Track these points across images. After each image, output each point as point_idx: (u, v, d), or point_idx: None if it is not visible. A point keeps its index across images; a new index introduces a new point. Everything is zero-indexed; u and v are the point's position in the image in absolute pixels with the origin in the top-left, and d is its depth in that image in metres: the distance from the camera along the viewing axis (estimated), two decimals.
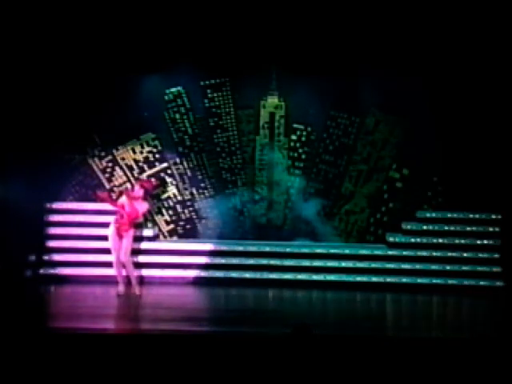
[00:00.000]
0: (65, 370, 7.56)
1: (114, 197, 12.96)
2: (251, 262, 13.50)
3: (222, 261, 13.50)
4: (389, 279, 13.30)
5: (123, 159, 14.39)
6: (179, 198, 14.47)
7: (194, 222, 14.45)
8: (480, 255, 13.50)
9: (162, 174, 14.39)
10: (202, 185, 14.47)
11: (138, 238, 13.60)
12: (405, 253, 13.60)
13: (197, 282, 13.27)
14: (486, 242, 13.57)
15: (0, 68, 12.73)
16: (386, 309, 12.46)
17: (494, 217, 13.64)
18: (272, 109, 14.48)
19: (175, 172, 14.45)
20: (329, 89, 14.13)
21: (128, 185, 12.91)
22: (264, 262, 13.52)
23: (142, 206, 12.33)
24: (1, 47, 12.64)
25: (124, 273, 12.34)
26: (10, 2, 12.56)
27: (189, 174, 14.45)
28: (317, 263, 13.48)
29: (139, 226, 13.41)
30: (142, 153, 14.41)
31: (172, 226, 14.45)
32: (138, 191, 12.34)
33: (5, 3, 12.50)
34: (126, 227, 12.12)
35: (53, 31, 12.84)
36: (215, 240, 14.06)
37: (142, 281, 12.99)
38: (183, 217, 14.45)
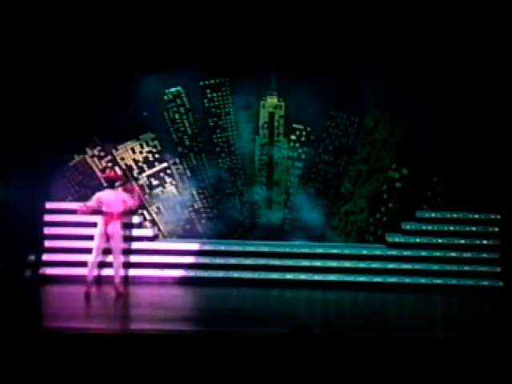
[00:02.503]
0: (62, 369, 7.56)
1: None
2: (250, 261, 13.50)
3: (222, 261, 13.50)
4: (388, 279, 13.30)
5: (123, 159, 14.40)
6: (179, 198, 14.47)
7: (194, 222, 14.45)
8: (479, 255, 13.50)
9: (162, 174, 14.42)
10: (202, 185, 14.47)
11: (138, 238, 13.62)
12: (404, 253, 13.60)
13: (196, 282, 13.26)
14: (485, 242, 13.58)
15: (0, 68, 12.74)
16: (386, 309, 12.46)
17: (493, 217, 13.65)
18: (271, 109, 14.48)
19: (175, 172, 14.45)
20: (328, 89, 14.14)
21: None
22: (263, 261, 13.52)
23: (121, 195, 12.45)
24: (1, 47, 12.65)
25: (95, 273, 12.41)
26: (10, 2, 12.56)
27: (188, 174, 14.46)
28: (316, 263, 13.48)
29: (131, 226, 13.44)
30: (141, 153, 14.42)
31: (171, 226, 14.45)
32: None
33: (5, 3, 12.51)
34: (115, 218, 12.17)
35: (52, 31, 12.84)
36: (215, 240, 14.06)
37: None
38: (183, 217, 14.45)
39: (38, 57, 12.96)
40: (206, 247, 13.71)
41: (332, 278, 13.31)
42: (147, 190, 14.38)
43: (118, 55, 13.15)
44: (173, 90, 14.40)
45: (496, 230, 13.60)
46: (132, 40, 13.00)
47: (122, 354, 8.00)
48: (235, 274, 13.35)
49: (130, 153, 14.40)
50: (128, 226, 13.47)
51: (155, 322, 10.28)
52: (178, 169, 14.46)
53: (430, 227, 13.77)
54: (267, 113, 14.50)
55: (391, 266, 13.47)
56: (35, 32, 12.78)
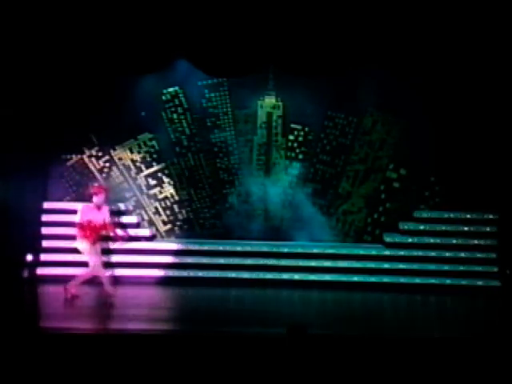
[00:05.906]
0: (59, 369, 7.58)
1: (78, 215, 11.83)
2: (249, 261, 13.50)
3: (220, 261, 13.51)
4: (386, 279, 13.32)
5: (120, 159, 14.40)
6: (176, 198, 14.47)
7: (192, 222, 14.45)
8: (477, 255, 13.52)
9: (160, 174, 14.42)
10: (200, 185, 14.47)
11: (136, 238, 13.61)
12: (402, 253, 13.62)
13: (194, 282, 13.26)
14: (482, 241, 13.60)
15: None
16: (383, 309, 12.47)
17: (490, 217, 13.66)
18: (269, 109, 14.49)
19: (173, 172, 14.45)
20: (326, 89, 14.14)
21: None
22: (261, 261, 13.53)
23: (106, 213, 11.80)
24: (0, 47, 12.65)
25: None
26: (10, 1, 12.56)
27: (186, 174, 14.46)
28: (314, 263, 13.49)
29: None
30: (139, 153, 14.42)
31: (169, 226, 14.45)
32: (99, 198, 11.67)
33: (5, 3, 12.51)
34: (95, 238, 11.64)
35: (51, 31, 12.83)
36: (212, 240, 14.06)
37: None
38: (180, 217, 14.45)
39: (36, 57, 12.95)
40: (204, 247, 13.71)
41: (329, 277, 13.31)
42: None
43: (116, 55, 13.11)
44: (171, 90, 14.41)
45: (493, 229, 13.60)
46: (130, 40, 12.98)
47: (119, 354, 8.01)
48: (233, 274, 13.35)
49: (128, 153, 14.40)
50: (126, 225, 13.48)
51: (153, 322, 10.29)
52: (175, 169, 14.46)
53: (427, 227, 13.79)
54: (265, 113, 14.51)
55: (389, 265, 13.47)
56: (34, 32, 12.77)
